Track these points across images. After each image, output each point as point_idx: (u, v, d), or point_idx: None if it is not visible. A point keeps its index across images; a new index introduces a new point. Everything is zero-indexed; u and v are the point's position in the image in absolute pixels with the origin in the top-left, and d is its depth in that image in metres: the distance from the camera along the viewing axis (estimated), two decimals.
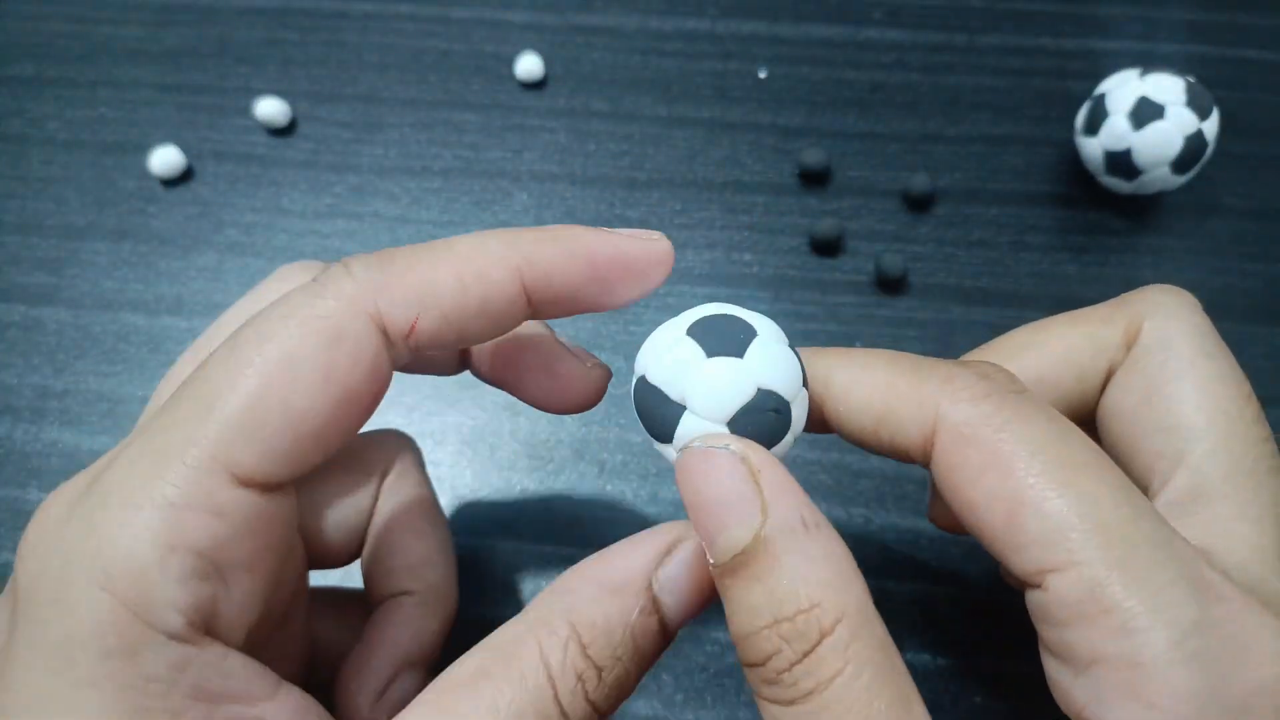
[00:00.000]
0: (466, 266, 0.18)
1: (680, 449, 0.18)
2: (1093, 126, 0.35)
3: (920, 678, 0.29)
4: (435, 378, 0.34)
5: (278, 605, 0.19)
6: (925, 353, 0.34)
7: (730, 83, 0.40)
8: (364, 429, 0.20)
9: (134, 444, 0.17)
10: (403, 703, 0.19)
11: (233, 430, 0.17)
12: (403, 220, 0.38)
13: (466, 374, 0.35)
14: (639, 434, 0.33)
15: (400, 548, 0.24)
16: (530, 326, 0.23)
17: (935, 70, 0.41)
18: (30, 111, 0.40)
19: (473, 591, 0.29)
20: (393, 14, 0.42)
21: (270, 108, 0.39)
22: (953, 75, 0.40)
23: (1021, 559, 0.17)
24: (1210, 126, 0.33)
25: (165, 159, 0.38)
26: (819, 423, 0.21)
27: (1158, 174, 0.34)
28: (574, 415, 0.33)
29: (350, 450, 0.24)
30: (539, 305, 0.19)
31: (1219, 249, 0.36)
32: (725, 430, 0.18)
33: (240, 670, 0.17)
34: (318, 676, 0.23)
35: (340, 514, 0.24)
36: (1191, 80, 0.34)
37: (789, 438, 0.19)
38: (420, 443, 0.27)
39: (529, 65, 0.40)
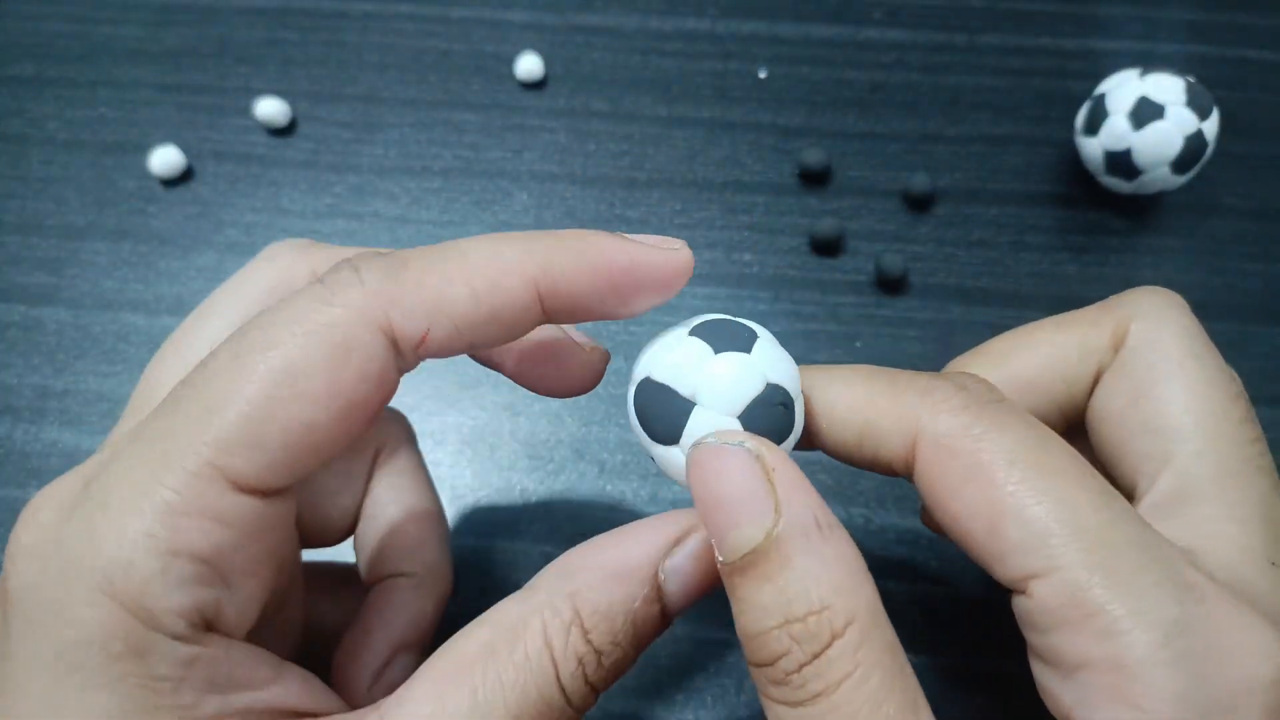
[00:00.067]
0: (481, 276, 0.18)
1: (692, 445, 0.18)
2: (1093, 126, 0.35)
3: (920, 678, 0.28)
4: (435, 378, 0.34)
5: (275, 593, 0.19)
6: (925, 352, 0.34)
7: (730, 83, 0.40)
8: None
9: (131, 447, 0.17)
10: (400, 684, 0.20)
11: (233, 440, 0.16)
12: (403, 220, 0.38)
13: (466, 374, 0.35)
14: None
15: (395, 527, 0.24)
16: None
17: (935, 70, 0.41)
18: (30, 111, 0.40)
19: (473, 591, 0.29)
20: (393, 14, 0.42)
21: (270, 107, 0.39)
22: (953, 75, 0.40)
23: (1005, 567, 0.18)
24: (1210, 126, 0.33)
25: (165, 159, 0.38)
26: (803, 440, 0.21)
27: (1158, 174, 0.34)
28: (574, 416, 0.33)
29: None
30: (552, 313, 0.19)
31: (1219, 249, 0.36)
32: (737, 424, 0.18)
33: (245, 658, 0.17)
34: (313, 650, 0.23)
35: (333, 493, 0.24)
36: (1192, 80, 0.34)
37: (792, 438, 0.19)
38: (420, 443, 0.27)
39: (529, 65, 0.40)
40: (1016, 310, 0.35)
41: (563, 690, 0.17)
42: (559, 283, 0.18)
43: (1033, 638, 0.18)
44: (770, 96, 0.40)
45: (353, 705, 0.19)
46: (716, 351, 0.19)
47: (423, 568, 0.24)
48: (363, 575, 0.24)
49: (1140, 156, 0.34)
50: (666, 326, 0.20)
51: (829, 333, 0.35)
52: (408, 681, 0.17)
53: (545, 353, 0.22)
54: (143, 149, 0.39)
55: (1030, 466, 0.18)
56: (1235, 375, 0.22)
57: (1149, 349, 0.21)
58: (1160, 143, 0.33)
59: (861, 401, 0.20)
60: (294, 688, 0.18)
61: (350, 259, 0.18)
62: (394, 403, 0.33)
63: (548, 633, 0.17)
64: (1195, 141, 0.33)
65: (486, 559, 0.31)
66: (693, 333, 0.19)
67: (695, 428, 0.18)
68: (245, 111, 0.39)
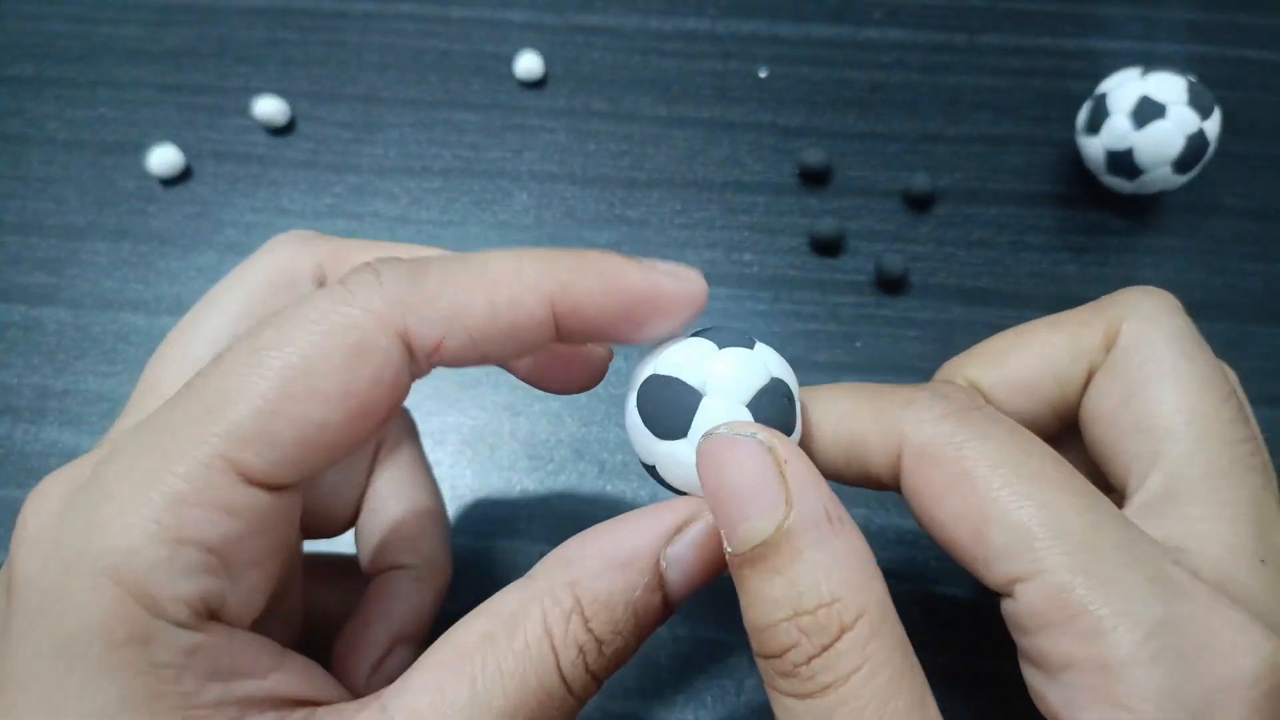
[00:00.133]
0: (500, 291, 0.18)
1: (703, 435, 0.18)
2: (1094, 126, 0.35)
3: None
4: (435, 378, 0.34)
5: (277, 584, 0.19)
6: (925, 352, 0.34)
7: (730, 83, 0.40)
8: None
9: (140, 437, 0.17)
10: (399, 675, 0.20)
11: (245, 433, 0.16)
12: (403, 220, 0.38)
13: (467, 374, 0.35)
14: None
15: (395, 519, 0.24)
16: None
17: (935, 70, 0.41)
18: (30, 111, 0.40)
19: (473, 591, 0.29)
20: (392, 14, 0.42)
21: (270, 107, 0.39)
22: (953, 75, 0.40)
23: (991, 571, 0.18)
24: (1212, 126, 0.33)
25: (164, 158, 0.38)
26: None
27: (1159, 173, 0.34)
28: (574, 416, 0.33)
29: None
30: (566, 333, 0.19)
31: (1220, 249, 0.36)
32: (747, 413, 0.19)
33: (248, 647, 0.17)
34: (312, 640, 0.24)
35: (335, 485, 0.24)
36: (1193, 80, 0.34)
37: (795, 436, 0.19)
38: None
39: (529, 65, 0.40)
40: (1016, 310, 0.35)
41: (563, 679, 0.17)
42: (577, 303, 0.18)
43: (1020, 640, 0.18)
44: (770, 96, 0.40)
45: (353, 695, 0.19)
46: (720, 347, 0.19)
47: (422, 560, 0.24)
48: (363, 566, 0.24)
49: (1142, 156, 0.34)
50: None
51: (829, 333, 0.35)
52: (407, 671, 0.17)
53: (551, 350, 0.22)
54: (142, 149, 0.38)
55: (1012, 471, 0.18)
56: (1229, 374, 0.22)
57: (1140, 349, 0.21)
58: (1162, 142, 0.33)
59: (846, 418, 0.20)
60: (296, 676, 0.18)
61: (371, 263, 0.18)
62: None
63: (548, 621, 0.17)
64: (1197, 141, 0.33)
65: (486, 558, 0.31)
66: (694, 334, 0.19)
67: (704, 418, 0.18)
68: (245, 111, 0.39)
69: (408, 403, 0.33)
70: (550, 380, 0.22)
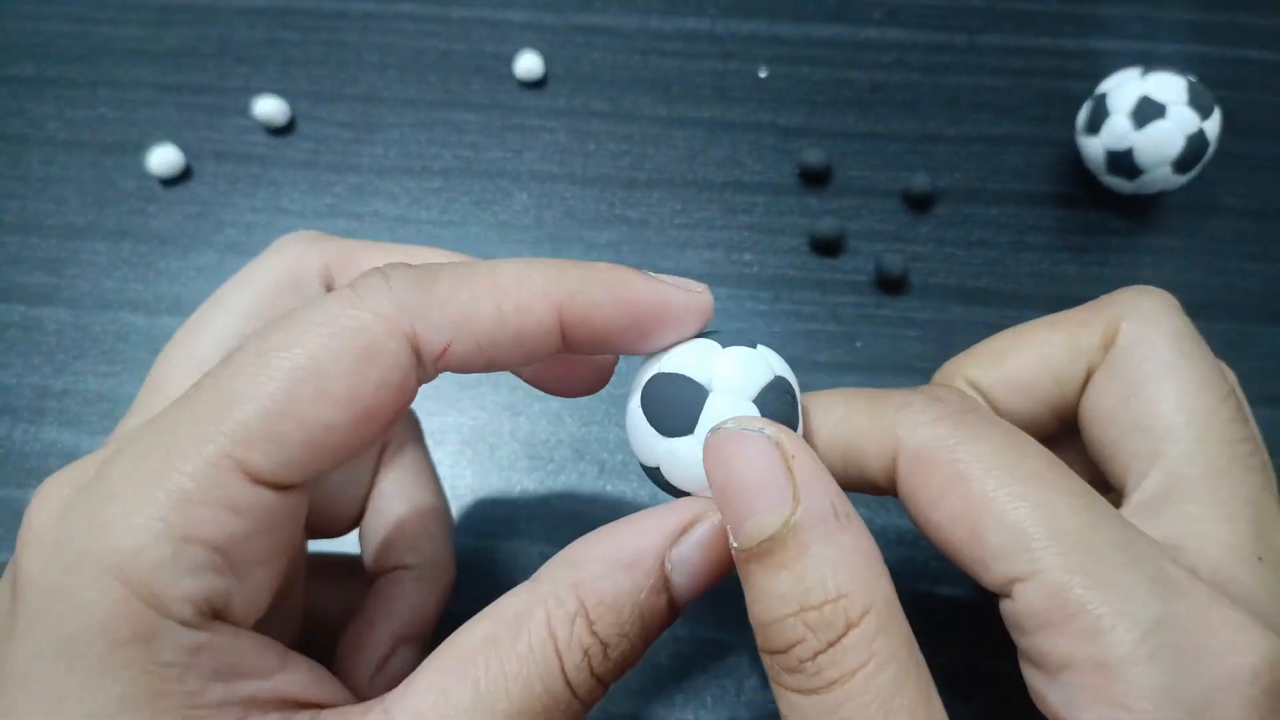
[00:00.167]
0: (508, 298, 0.18)
1: (710, 430, 0.18)
2: (1094, 126, 0.35)
3: None
4: (437, 378, 0.34)
5: (282, 583, 0.19)
6: (925, 352, 0.34)
7: (730, 82, 0.40)
8: None
9: (147, 436, 0.17)
10: (402, 675, 0.20)
11: (252, 433, 0.16)
12: (403, 220, 0.38)
13: (467, 375, 0.35)
14: None
15: (399, 520, 0.24)
16: None
17: (935, 70, 0.41)
18: (30, 111, 0.40)
19: (473, 591, 0.29)
20: (392, 14, 0.42)
21: (270, 107, 0.39)
22: (953, 75, 0.40)
23: (989, 572, 0.18)
24: (1212, 126, 0.33)
25: (164, 158, 0.38)
26: None
27: (1159, 173, 0.34)
28: (574, 416, 0.33)
29: None
30: (572, 342, 0.19)
31: (1220, 249, 0.36)
32: (754, 408, 0.19)
33: (252, 647, 0.17)
34: (314, 640, 0.24)
35: (340, 485, 0.24)
36: (1193, 79, 0.34)
37: (798, 433, 0.20)
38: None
39: (529, 65, 0.40)
40: (1016, 310, 0.35)
41: (568, 683, 0.17)
42: (584, 312, 0.18)
43: (1019, 640, 0.18)
44: (770, 96, 0.40)
45: (356, 696, 0.19)
46: (724, 346, 0.19)
47: (426, 560, 0.24)
48: (367, 566, 0.24)
49: (1142, 156, 0.34)
50: None
51: (829, 333, 0.35)
52: (411, 675, 0.17)
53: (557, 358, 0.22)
54: (142, 149, 0.38)
55: (1007, 473, 0.18)
56: (1228, 374, 0.22)
57: (1139, 348, 0.22)
58: (1162, 142, 0.33)
59: (841, 424, 0.20)
60: (300, 677, 0.18)
61: (381, 268, 0.18)
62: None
63: (552, 624, 0.17)
64: (1197, 141, 0.33)
65: (487, 559, 0.31)
66: (697, 335, 0.20)
67: (711, 414, 0.18)
68: (245, 111, 0.39)
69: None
70: (556, 382, 0.22)
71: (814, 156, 0.37)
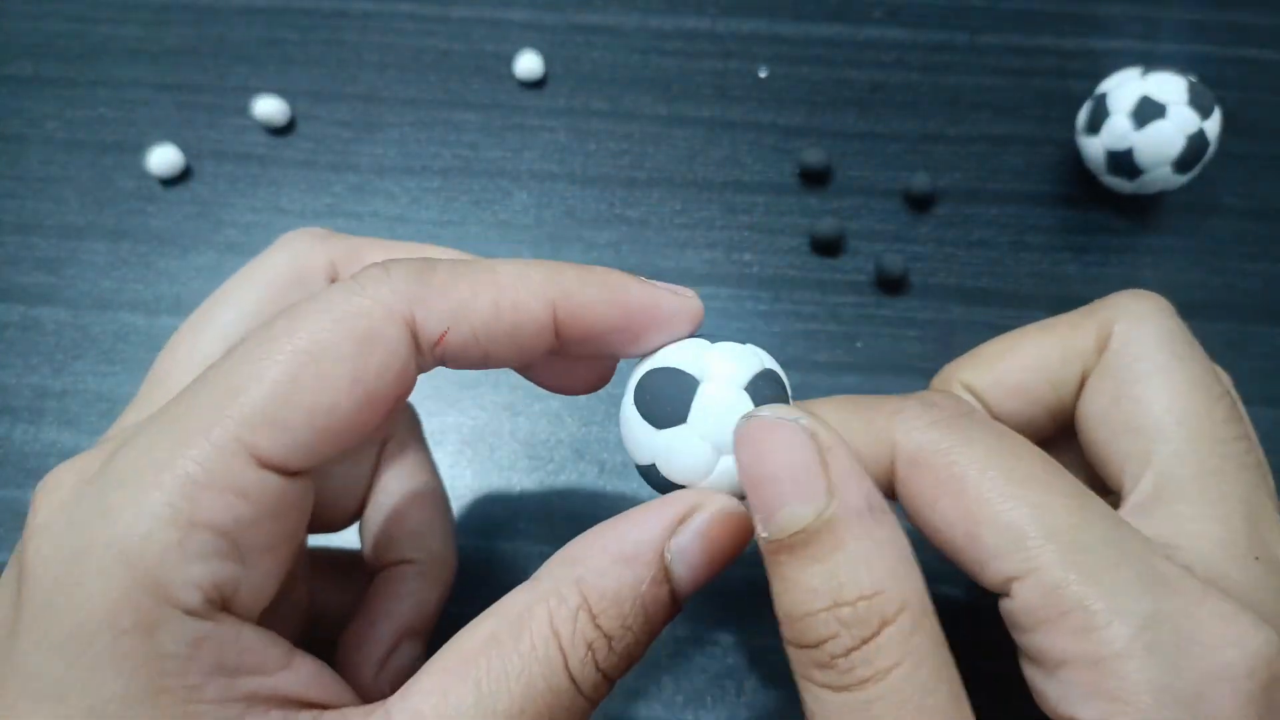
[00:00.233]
0: (505, 294, 0.18)
1: (743, 416, 0.18)
2: (1094, 126, 0.35)
3: None
4: (435, 378, 0.34)
5: (286, 578, 0.19)
6: (925, 352, 0.34)
7: (730, 82, 0.40)
8: None
9: (153, 425, 0.17)
10: (405, 671, 0.21)
11: (257, 416, 0.16)
12: (402, 220, 0.38)
13: (466, 374, 0.35)
14: None
15: (401, 515, 0.24)
16: None
17: (935, 70, 0.41)
18: (29, 111, 0.40)
19: (473, 592, 0.29)
20: (392, 13, 0.42)
21: (269, 107, 0.39)
22: (953, 75, 0.40)
23: (987, 572, 0.18)
24: (1212, 126, 0.33)
25: (164, 158, 0.38)
26: None
27: (1159, 173, 0.34)
28: (574, 416, 0.33)
29: None
30: (566, 342, 0.19)
31: (1220, 249, 0.36)
32: (745, 396, 0.19)
33: (256, 643, 0.17)
34: (316, 636, 0.23)
35: (341, 480, 0.24)
36: (1193, 79, 0.34)
37: None
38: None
39: (529, 64, 0.40)
40: (1017, 310, 0.35)
41: (572, 679, 0.17)
42: (578, 311, 0.19)
43: (1019, 638, 0.19)
44: (770, 96, 0.40)
45: (358, 691, 0.19)
46: (714, 342, 0.20)
47: (428, 555, 0.24)
48: (368, 561, 0.24)
49: (1142, 156, 0.34)
50: None
51: (829, 333, 0.35)
52: (413, 677, 0.17)
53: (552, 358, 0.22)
54: (142, 148, 0.38)
55: (1002, 474, 0.18)
56: (1221, 374, 0.22)
57: (1131, 350, 0.22)
58: (1162, 142, 0.33)
59: (838, 429, 0.20)
60: (303, 676, 0.18)
61: (381, 262, 0.18)
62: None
63: (554, 620, 0.17)
64: (1197, 141, 0.33)
65: (486, 559, 0.31)
66: (688, 335, 0.20)
67: (704, 402, 0.19)
68: (244, 111, 0.39)
69: (410, 400, 0.33)
70: (556, 379, 0.22)
71: (814, 156, 0.37)
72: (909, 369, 0.34)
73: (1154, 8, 0.42)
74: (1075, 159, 0.37)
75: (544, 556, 0.27)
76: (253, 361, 0.17)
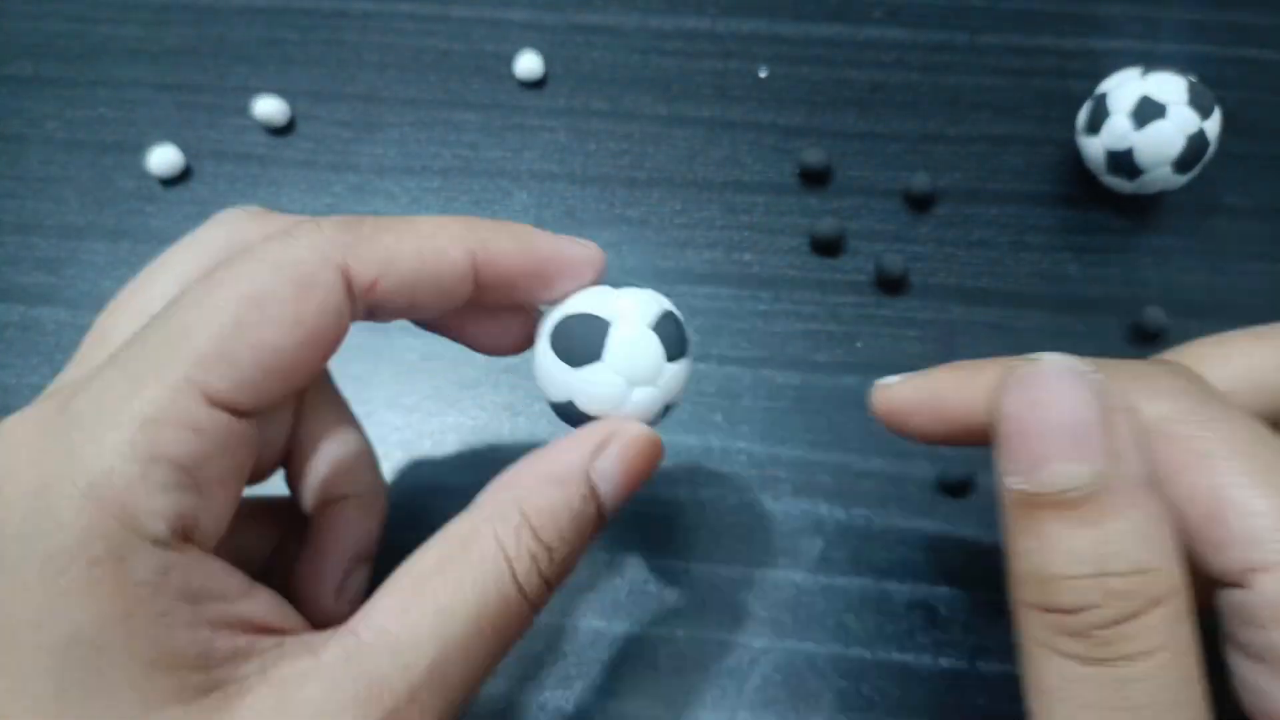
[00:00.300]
0: (428, 243, 0.20)
1: (1026, 360, 0.17)
2: (1094, 126, 0.35)
3: (922, 680, 0.29)
4: (435, 378, 0.34)
5: (233, 513, 0.20)
6: (926, 352, 0.34)
7: (730, 82, 0.40)
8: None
9: (107, 371, 0.18)
10: (359, 593, 0.24)
11: (207, 357, 0.18)
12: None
13: (466, 374, 0.35)
14: None
15: (333, 457, 0.25)
16: None
17: (935, 70, 0.41)
18: (29, 111, 0.40)
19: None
20: (392, 13, 0.42)
21: (269, 107, 0.39)
22: (953, 75, 0.40)
23: (1224, 557, 0.17)
24: (1212, 126, 0.33)
25: (164, 158, 0.38)
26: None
27: (1159, 173, 0.34)
28: None
29: None
30: (483, 288, 0.21)
31: (1221, 248, 0.36)
32: (653, 335, 0.21)
33: (218, 572, 0.18)
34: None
35: (264, 431, 0.25)
36: (1193, 79, 0.34)
37: (688, 358, 0.23)
38: (420, 443, 0.27)
39: (529, 64, 0.40)
40: (1017, 310, 0.35)
41: (519, 586, 0.19)
42: (494, 258, 0.21)
43: (1244, 633, 0.17)
44: (770, 96, 0.40)
45: (314, 622, 0.20)
46: (618, 289, 0.22)
47: (364, 489, 0.25)
48: (305, 504, 0.25)
49: (1142, 156, 0.34)
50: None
51: (829, 333, 0.35)
52: (370, 600, 0.19)
53: (480, 309, 0.24)
54: (142, 148, 0.38)
55: (1253, 459, 0.17)
56: None
57: None
58: (1162, 142, 0.33)
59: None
60: (263, 604, 0.19)
61: (311, 218, 0.20)
62: (395, 404, 0.33)
63: (499, 537, 0.19)
64: (1197, 141, 0.33)
65: None
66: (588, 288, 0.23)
67: (615, 340, 0.21)
68: (244, 111, 0.39)
69: (408, 404, 0.33)
70: (482, 339, 0.24)
71: (814, 156, 0.37)
72: (909, 369, 0.34)
73: (1154, 8, 0.42)
74: (1075, 159, 0.37)
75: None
76: (200, 307, 0.18)
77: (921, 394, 0.21)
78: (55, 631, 0.16)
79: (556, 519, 0.20)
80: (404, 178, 0.38)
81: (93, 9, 0.43)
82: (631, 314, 0.22)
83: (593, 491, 0.20)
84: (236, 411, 0.18)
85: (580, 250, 0.22)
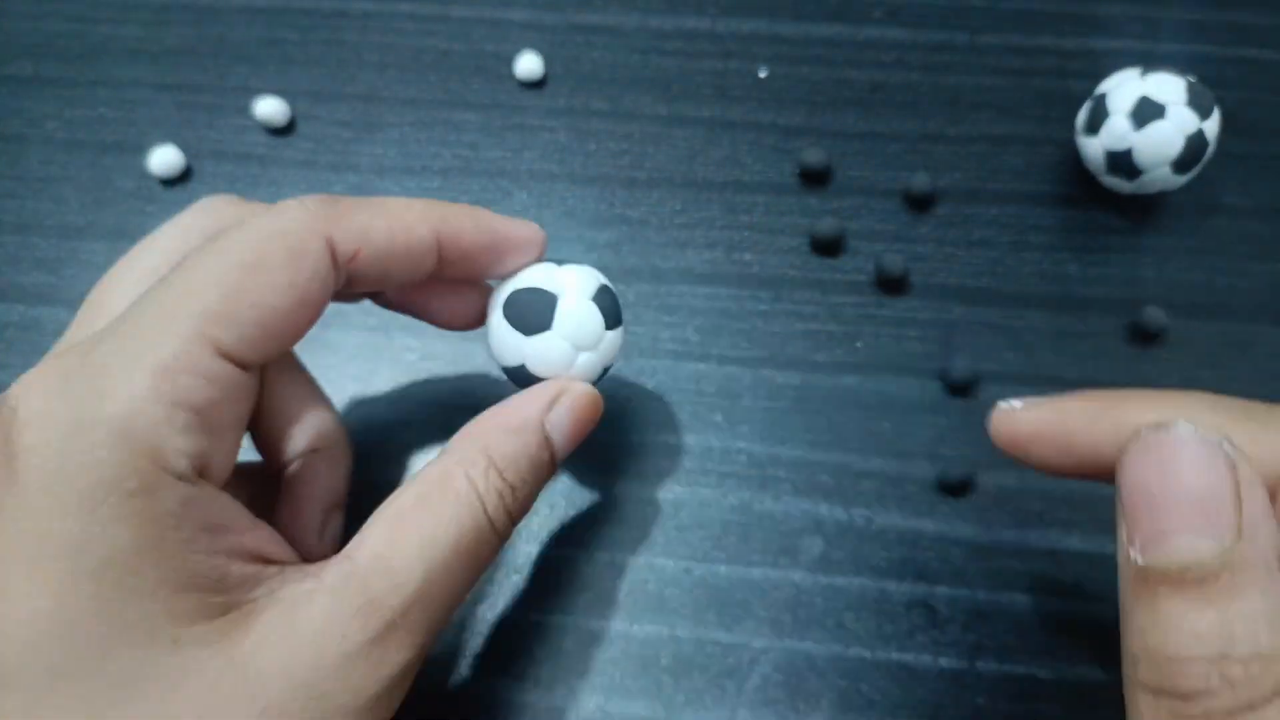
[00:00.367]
0: (398, 219, 0.23)
1: (1151, 425, 0.16)
2: (1093, 126, 0.35)
3: (921, 680, 0.29)
4: (435, 378, 0.34)
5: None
6: (926, 352, 0.34)
7: (730, 82, 0.40)
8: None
9: (124, 326, 0.20)
10: (337, 536, 0.26)
11: (216, 315, 0.20)
12: None
13: (466, 374, 0.35)
14: (639, 433, 0.33)
15: (300, 415, 0.27)
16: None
17: (935, 70, 0.41)
18: (29, 111, 0.40)
19: (479, 589, 0.29)
20: (392, 13, 0.42)
21: (269, 107, 0.39)
22: (953, 75, 0.40)
23: None
24: (1211, 126, 0.33)
25: (164, 158, 0.38)
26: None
27: (1159, 174, 0.34)
28: None
29: None
30: (445, 262, 0.24)
31: (1221, 249, 0.36)
32: (594, 307, 0.25)
33: (229, 506, 0.21)
34: None
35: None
36: (1193, 80, 0.34)
37: (621, 329, 0.26)
38: (420, 443, 0.27)
39: (529, 64, 0.40)
40: (1018, 310, 0.35)
41: (489, 518, 0.22)
42: (456, 235, 0.24)
43: None
44: (770, 96, 0.40)
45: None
46: (560, 264, 0.26)
47: (331, 442, 0.27)
48: (276, 461, 0.27)
49: (1141, 156, 0.34)
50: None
51: (829, 333, 0.35)
52: (357, 535, 0.21)
53: (444, 284, 0.26)
54: (142, 149, 0.38)
55: None
56: None
57: None
58: (1161, 142, 0.33)
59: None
60: (265, 537, 0.21)
61: (296, 198, 0.22)
62: (391, 403, 0.33)
63: (470, 476, 0.22)
64: (1196, 141, 0.33)
65: None
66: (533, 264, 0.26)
67: (563, 311, 0.24)
68: (244, 111, 0.39)
69: (407, 407, 0.33)
70: (440, 313, 0.27)
71: (814, 156, 0.37)
72: (909, 369, 0.34)
73: (1154, 8, 0.42)
74: (1075, 159, 0.37)
75: (546, 556, 0.28)
76: (205, 270, 0.20)
77: (1048, 424, 0.20)
78: (95, 555, 0.17)
79: (518, 463, 0.23)
80: (404, 178, 0.38)
81: (93, 9, 0.43)
82: (575, 288, 0.25)
83: (547, 440, 0.23)
84: (241, 364, 0.20)
85: (528, 230, 0.25)
